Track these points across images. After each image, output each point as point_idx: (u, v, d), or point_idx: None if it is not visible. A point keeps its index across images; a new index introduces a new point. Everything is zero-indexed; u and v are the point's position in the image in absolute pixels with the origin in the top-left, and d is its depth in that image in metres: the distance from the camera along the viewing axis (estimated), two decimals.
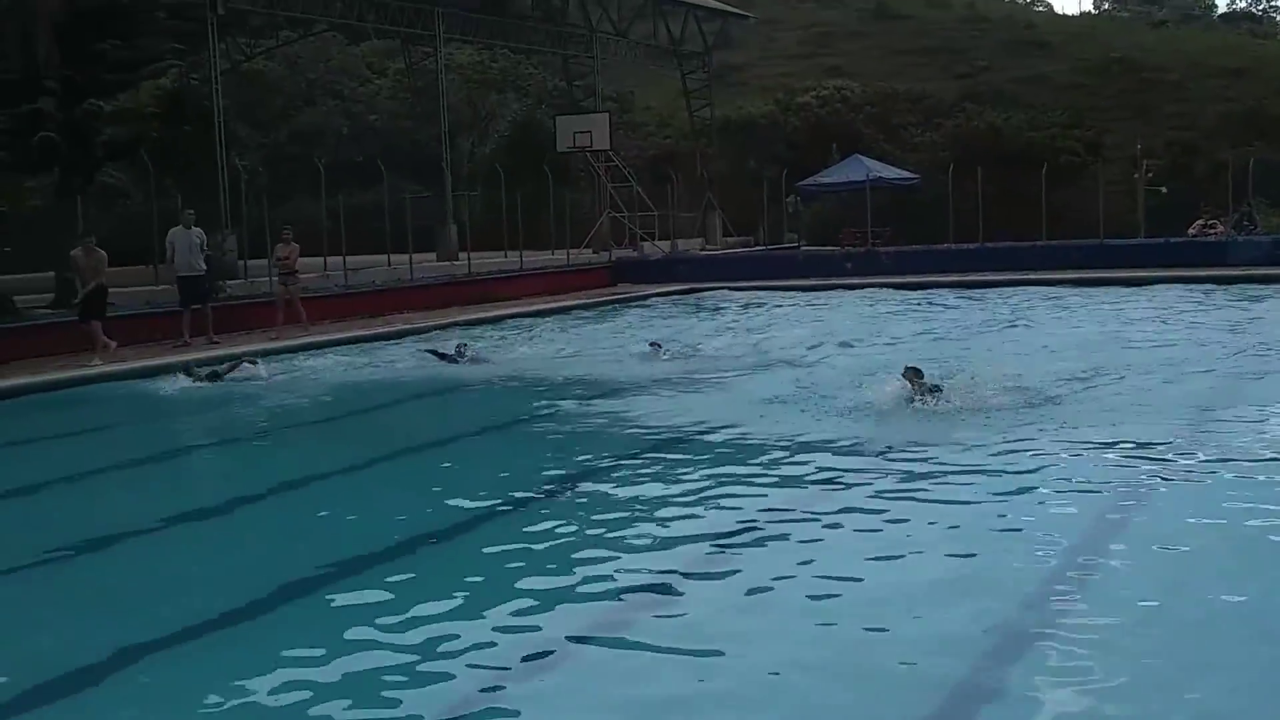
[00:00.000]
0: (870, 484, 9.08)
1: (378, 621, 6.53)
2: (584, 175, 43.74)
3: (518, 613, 6.62)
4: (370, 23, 36.45)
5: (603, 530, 8.18)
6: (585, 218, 40.38)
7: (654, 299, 29.54)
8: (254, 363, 17.13)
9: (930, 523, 7.96)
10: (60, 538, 8.84)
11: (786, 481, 9.41)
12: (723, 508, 8.64)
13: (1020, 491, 8.73)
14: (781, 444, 10.68)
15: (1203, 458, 9.64)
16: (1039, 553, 7.28)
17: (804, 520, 8.17)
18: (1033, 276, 28.49)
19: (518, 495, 9.41)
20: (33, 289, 24.57)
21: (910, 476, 9.22)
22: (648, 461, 10.52)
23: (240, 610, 6.93)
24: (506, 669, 5.86)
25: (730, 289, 29.96)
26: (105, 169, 29.92)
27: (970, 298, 26.04)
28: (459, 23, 37.91)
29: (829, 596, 6.65)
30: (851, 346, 18.27)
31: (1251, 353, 15.76)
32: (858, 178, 41.06)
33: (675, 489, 9.28)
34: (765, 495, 8.95)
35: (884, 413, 11.55)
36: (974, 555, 7.26)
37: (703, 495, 9.04)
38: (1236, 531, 7.52)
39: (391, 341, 21.56)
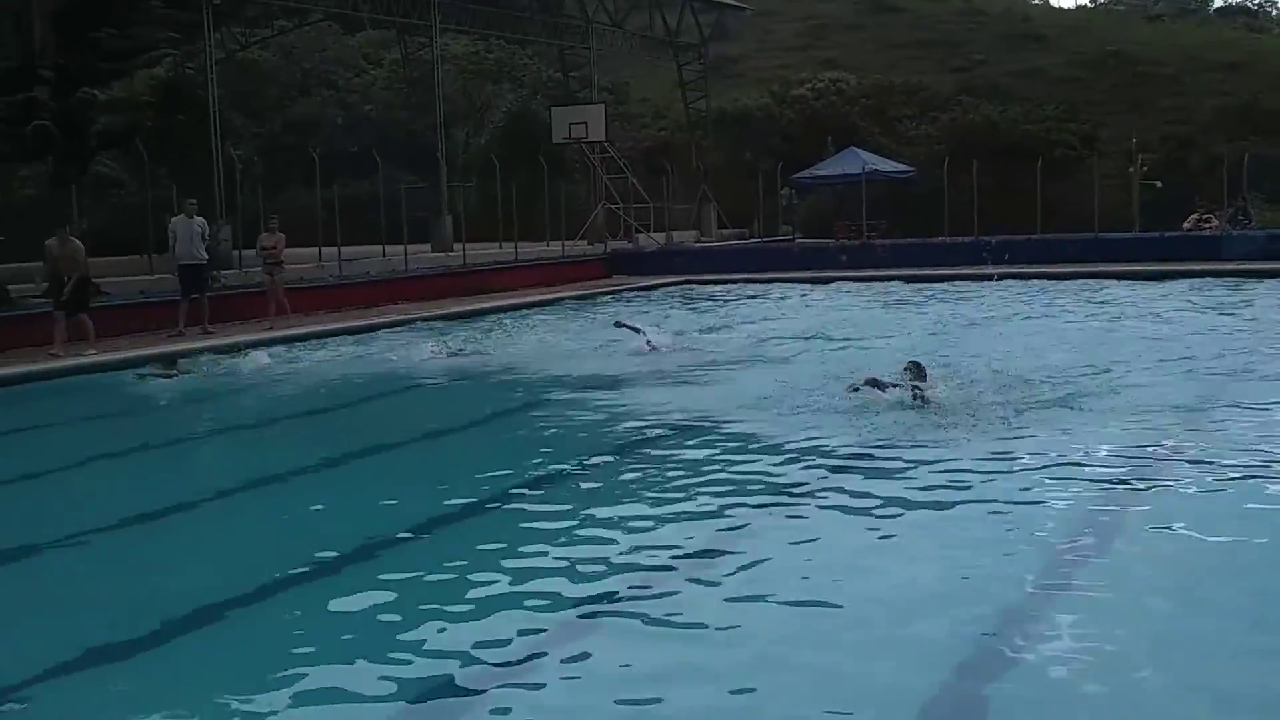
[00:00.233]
0: (862, 480, 9.01)
1: (365, 615, 6.57)
2: (579, 167, 43.70)
3: (507, 603, 6.63)
4: (365, 12, 36.39)
5: (578, 528, 8.11)
6: (580, 209, 40.34)
7: (648, 291, 29.52)
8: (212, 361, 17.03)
9: (922, 521, 7.92)
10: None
11: (775, 478, 9.30)
12: (709, 504, 8.59)
13: (1014, 489, 8.64)
14: (771, 439, 10.60)
15: (1201, 454, 9.60)
16: (1032, 549, 7.26)
17: (794, 517, 8.14)
18: (1028, 270, 28.47)
19: (494, 491, 9.35)
20: (26, 278, 24.46)
21: (900, 473, 9.15)
22: (631, 458, 10.44)
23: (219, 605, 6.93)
24: (501, 661, 5.87)
25: (725, 281, 29.95)
26: (99, 158, 29.90)
27: (962, 291, 25.99)
28: (454, 13, 37.86)
29: (820, 590, 6.65)
30: (844, 340, 18.17)
31: (1250, 349, 15.71)
32: (853, 170, 41.07)
33: (662, 484, 9.22)
34: (753, 492, 8.86)
35: (875, 408, 11.39)
36: (965, 554, 7.18)
37: (689, 491, 8.99)
38: (1234, 530, 7.49)
39: (366, 335, 21.38)
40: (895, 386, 11.54)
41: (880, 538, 7.62)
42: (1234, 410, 11.44)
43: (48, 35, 23.34)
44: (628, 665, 5.80)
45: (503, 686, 5.57)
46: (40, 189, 29.86)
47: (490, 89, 49.88)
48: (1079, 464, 9.33)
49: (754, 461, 9.92)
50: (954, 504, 8.31)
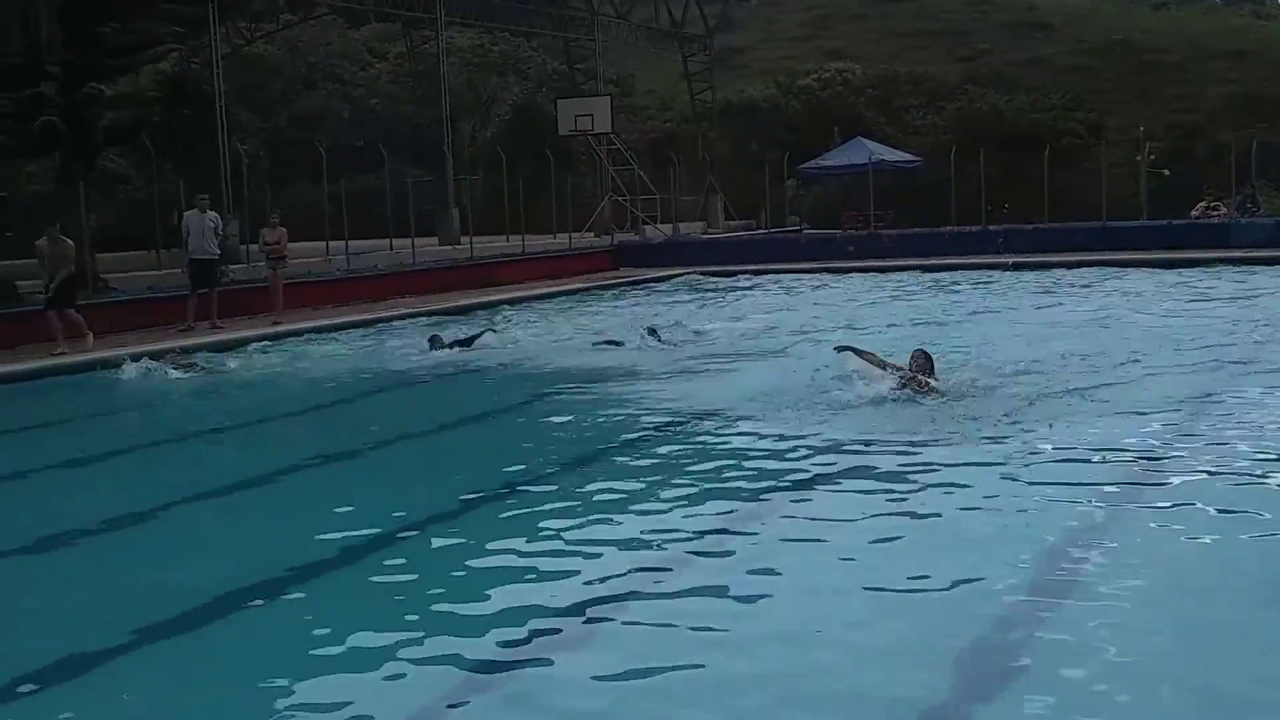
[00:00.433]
0: (863, 472, 8.95)
1: (371, 606, 6.58)
2: (585, 159, 43.68)
3: (510, 595, 6.64)
4: (370, 6, 36.38)
5: (581, 523, 8.07)
6: (587, 201, 40.32)
7: (655, 282, 29.52)
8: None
9: (923, 515, 7.85)
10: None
11: (776, 472, 9.22)
12: (714, 495, 8.58)
13: (1014, 482, 8.58)
14: (773, 433, 10.52)
15: (1202, 448, 9.54)
16: (1032, 546, 7.19)
17: (792, 515, 8.08)
18: (1035, 259, 28.46)
19: (492, 489, 9.30)
20: (34, 274, 24.48)
21: (903, 467, 9.07)
22: (630, 453, 10.36)
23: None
24: (510, 655, 5.87)
25: (732, 272, 29.93)
26: (106, 154, 29.89)
27: (971, 281, 25.97)
28: (460, 6, 37.82)
29: (817, 590, 6.61)
30: (850, 332, 18.10)
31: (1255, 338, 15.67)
32: (860, 160, 41.00)
33: (662, 479, 9.17)
34: (752, 486, 8.82)
35: (881, 400, 11.28)
36: (963, 552, 7.09)
37: (692, 483, 8.96)
38: (1234, 529, 7.44)
39: (362, 329, 21.33)
40: (929, 379, 11.43)
41: (886, 532, 7.55)
42: (1245, 400, 11.43)
43: (54, 31, 23.31)
44: (636, 657, 5.79)
45: (515, 674, 5.58)
46: (47, 185, 29.86)
47: (496, 82, 49.84)
48: (1088, 459, 9.25)
49: (759, 454, 9.83)
50: (962, 497, 8.25)
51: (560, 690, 5.49)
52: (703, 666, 5.63)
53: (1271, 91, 48.02)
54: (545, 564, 7.19)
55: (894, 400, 11.20)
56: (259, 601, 6.82)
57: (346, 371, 16.50)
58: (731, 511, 8.15)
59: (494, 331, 17.78)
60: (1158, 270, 25.72)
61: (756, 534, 7.64)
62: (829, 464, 9.31)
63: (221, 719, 5.46)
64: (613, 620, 6.30)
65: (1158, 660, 5.55)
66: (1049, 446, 9.60)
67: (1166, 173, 39.74)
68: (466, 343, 17.22)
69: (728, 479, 9.08)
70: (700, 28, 48.52)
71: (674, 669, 5.62)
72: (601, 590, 6.73)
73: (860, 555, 7.13)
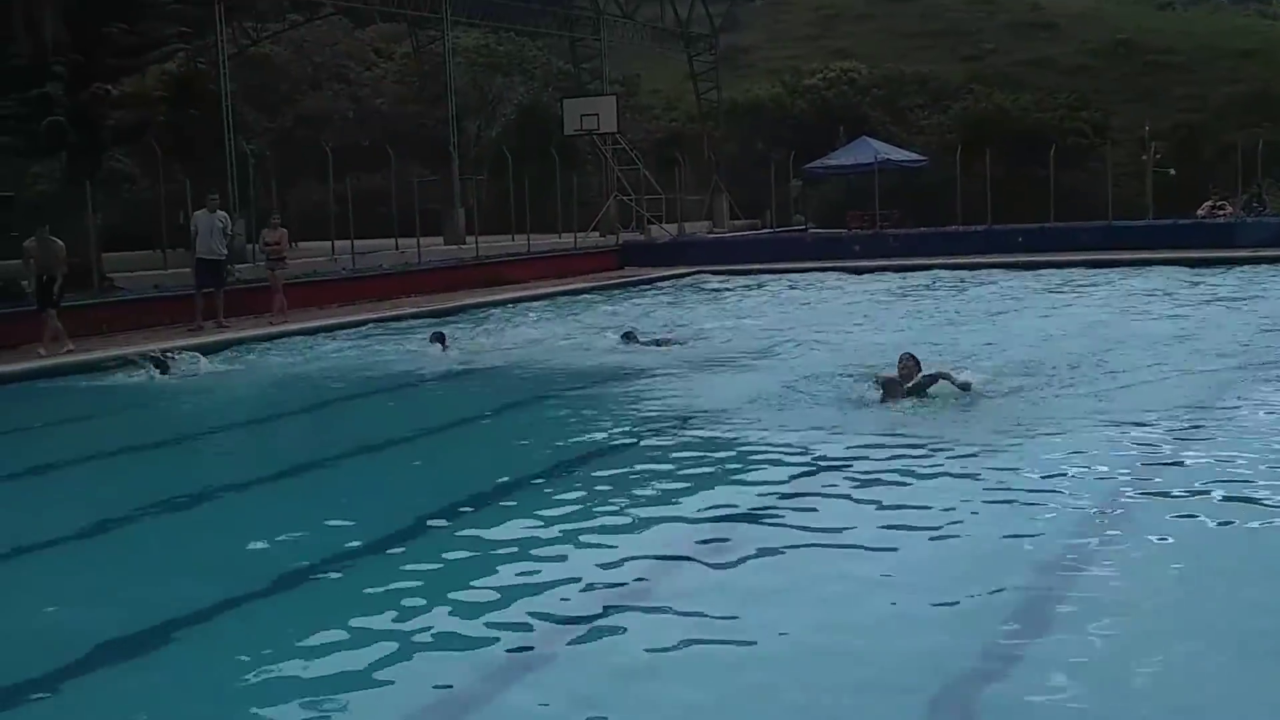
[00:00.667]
0: (865, 474, 8.93)
1: (372, 608, 6.59)
2: (591, 158, 43.67)
3: (500, 599, 6.65)
4: (376, 6, 36.38)
5: (580, 524, 8.09)
6: (592, 201, 40.33)
7: (660, 282, 29.51)
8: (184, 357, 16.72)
9: (921, 516, 7.83)
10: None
11: (777, 472, 9.22)
12: (714, 497, 8.59)
13: (1023, 481, 8.59)
14: (772, 434, 10.53)
15: (1208, 447, 9.56)
16: (1036, 544, 7.20)
17: (793, 511, 8.08)
18: (1040, 259, 28.43)
19: (482, 492, 9.30)
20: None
21: (903, 468, 9.06)
22: (628, 455, 10.34)
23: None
24: (518, 652, 5.89)
25: (737, 272, 29.91)
26: (112, 154, 29.93)
27: (977, 281, 25.94)
28: (465, 6, 37.83)
29: (815, 593, 6.61)
30: (852, 332, 18.08)
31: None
32: (865, 160, 41.00)
33: (663, 479, 9.18)
34: (752, 486, 8.83)
35: (881, 403, 11.25)
36: (964, 554, 7.09)
37: (691, 485, 8.97)
38: (1238, 529, 7.42)
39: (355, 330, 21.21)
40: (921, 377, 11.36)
41: (883, 531, 7.57)
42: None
43: (60, 31, 23.35)
44: (646, 652, 5.82)
45: (525, 672, 5.59)
46: (53, 185, 29.90)
47: (501, 81, 49.82)
48: (1091, 455, 9.28)
49: (751, 456, 9.82)
50: (967, 497, 8.24)
51: (562, 689, 5.50)
52: (706, 667, 5.66)
53: (1278, 91, 47.90)
54: (546, 566, 7.21)
55: (889, 400, 11.15)
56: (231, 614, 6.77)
57: (334, 373, 16.40)
58: (728, 517, 8.10)
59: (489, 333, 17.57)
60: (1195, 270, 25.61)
61: (747, 539, 7.55)
62: (831, 463, 9.31)
63: None
64: (624, 613, 6.32)
65: (1165, 663, 5.54)
66: (1056, 449, 9.54)
67: (1172, 172, 39.71)
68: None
69: (716, 482, 9.05)
70: (706, 27, 48.50)
71: (676, 671, 5.64)
72: (605, 589, 6.77)
73: (863, 557, 7.13)
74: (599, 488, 9.16)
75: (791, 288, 26.49)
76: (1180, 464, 9.05)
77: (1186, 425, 10.29)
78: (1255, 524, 7.42)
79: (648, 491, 8.88)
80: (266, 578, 7.22)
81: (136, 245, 31.07)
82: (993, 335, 16.82)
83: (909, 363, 11.50)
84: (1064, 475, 8.67)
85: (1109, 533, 7.44)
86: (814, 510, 8.13)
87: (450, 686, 5.57)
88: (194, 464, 11.62)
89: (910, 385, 11.23)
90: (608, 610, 6.42)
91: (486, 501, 8.92)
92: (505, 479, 9.58)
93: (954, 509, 7.94)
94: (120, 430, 13.49)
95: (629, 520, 8.14)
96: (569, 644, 5.96)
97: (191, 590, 7.02)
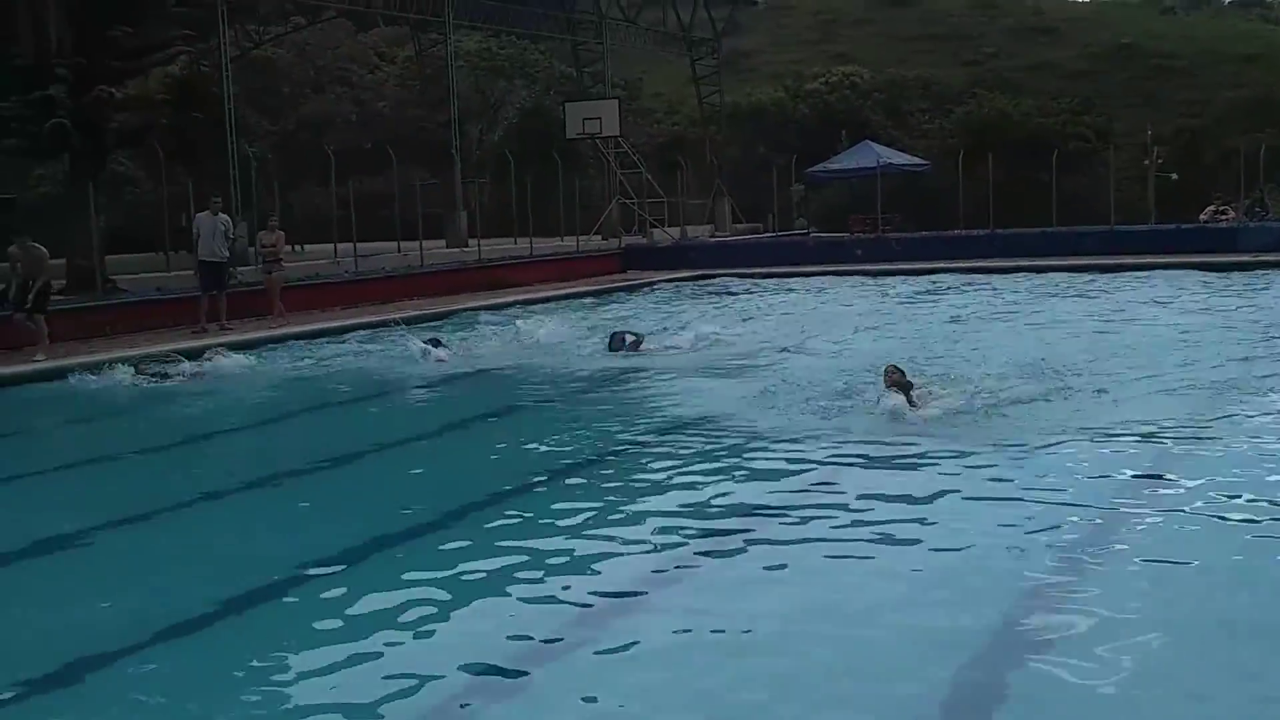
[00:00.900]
0: (859, 483, 8.83)
1: (368, 616, 6.58)
2: (593, 162, 43.70)
3: (534, 590, 6.67)
4: (379, 9, 36.41)
5: (575, 531, 8.02)
6: (595, 204, 40.35)
7: (661, 285, 29.50)
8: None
9: (916, 525, 7.77)
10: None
11: (770, 479, 9.13)
12: (712, 501, 8.53)
13: (1023, 487, 8.51)
14: (766, 440, 10.45)
15: (1212, 452, 9.51)
16: (1032, 555, 7.10)
17: (790, 521, 7.98)
18: (1043, 263, 28.42)
19: (475, 499, 9.23)
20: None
21: (897, 477, 8.98)
22: (621, 460, 10.28)
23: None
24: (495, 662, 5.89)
25: (739, 275, 29.92)
26: (115, 156, 29.96)
27: (979, 285, 25.93)
28: (468, 9, 37.86)
29: (815, 602, 6.55)
30: (851, 337, 17.96)
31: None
32: (868, 164, 41.04)
33: (659, 484, 9.14)
34: (747, 492, 8.78)
35: (880, 410, 11.00)
36: (961, 563, 6.98)
37: (689, 488, 8.92)
38: (1242, 536, 7.38)
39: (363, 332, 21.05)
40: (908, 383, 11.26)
41: (880, 539, 7.48)
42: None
43: (63, 34, 23.36)
44: (656, 650, 5.82)
45: (538, 670, 5.60)
46: (57, 187, 29.94)
47: (504, 85, 49.88)
48: (1093, 462, 9.22)
49: (743, 463, 9.73)
50: (956, 507, 8.14)
51: (565, 690, 5.50)
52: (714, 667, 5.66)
53: None
54: (551, 568, 7.21)
55: (888, 407, 10.94)
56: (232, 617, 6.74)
57: (324, 378, 16.33)
58: (722, 517, 8.09)
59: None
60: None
61: (739, 549, 7.47)
62: (817, 472, 9.22)
63: None
64: (634, 613, 6.32)
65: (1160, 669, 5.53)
66: (1055, 456, 9.46)
67: (1175, 177, 39.70)
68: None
69: (715, 486, 8.98)
70: (708, 31, 48.54)
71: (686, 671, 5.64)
72: (611, 592, 6.78)
73: (851, 562, 7.08)
74: (606, 486, 9.18)
75: (791, 291, 26.46)
76: (1184, 468, 9.01)
77: (1189, 431, 10.23)
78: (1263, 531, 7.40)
79: (650, 493, 8.88)
80: (265, 579, 7.22)
81: (139, 248, 31.11)
82: (993, 341, 16.75)
83: (895, 375, 11.40)
84: (1064, 481, 8.63)
85: (1110, 535, 7.45)
86: (814, 515, 8.07)
87: (456, 685, 5.57)
88: (199, 466, 11.60)
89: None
90: (617, 604, 6.47)
91: (481, 506, 8.87)
92: (500, 484, 9.52)
93: (955, 514, 7.94)
94: (122, 434, 13.47)
95: (635, 520, 8.15)
96: (573, 642, 5.97)
97: (196, 590, 7.03)
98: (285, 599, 6.93)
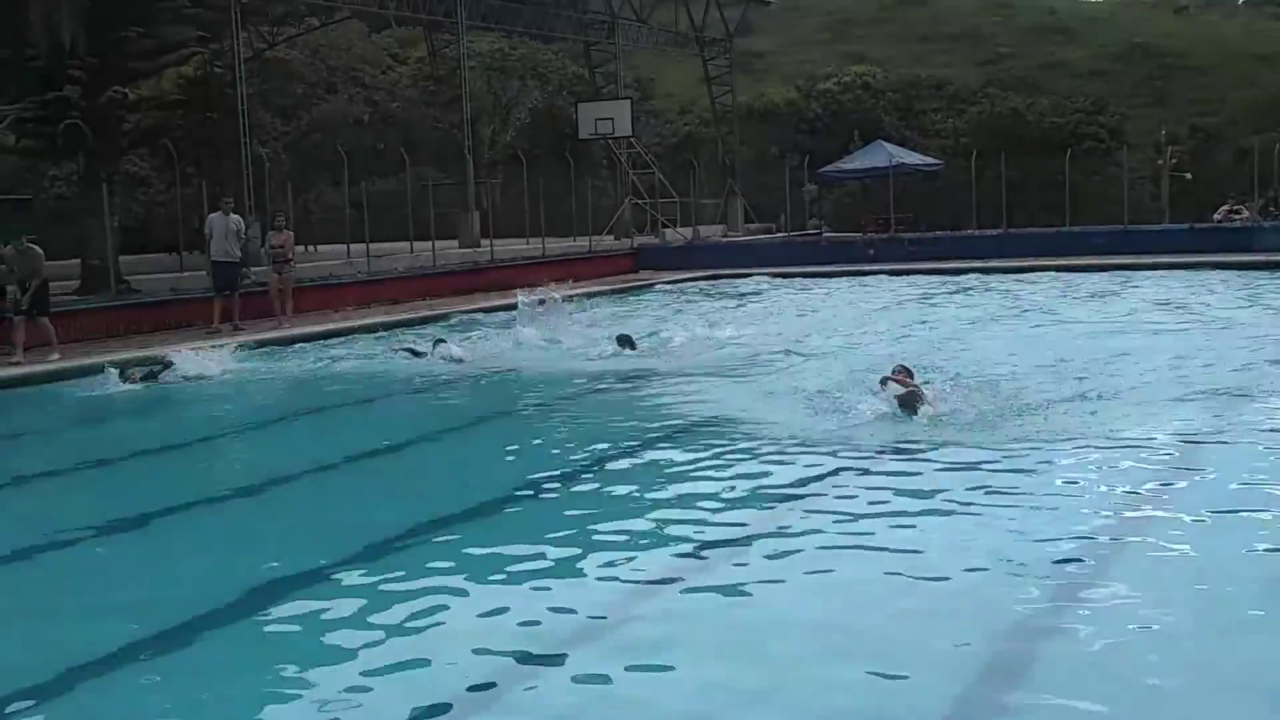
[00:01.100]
0: (865, 487, 8.78)
1: (364, 620, 6.58)
2: (605, 162, 43.71)
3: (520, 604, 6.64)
4: (392, 10, 36.45)
5: (582, 534, 7.98)
6: (607, 205, 40.37)
7: (673, 285, 29.50)
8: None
9: (922, 528, 7.76)
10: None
11: (776, 481, 9.08)
12: (713, 507, 8.45)
13: (1033, 491, 8.46)
14: (773, 441, 10.40)
15: (1225, 454, 9.46)
16: (1040, 561, 7.03)
17: (794, 525, 7.94)
18: (1056, 263, 28.37)
19: (529, 483, 9.32)
20: (59, 276, 24.67)
21: (906, 481, 8.89)
22: (628, 462, 10.21)
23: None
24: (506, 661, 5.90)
25: (751, 275, 29.90)
26: (128, 157, 30.03)
27: (992, 285, 25.89)
28: (480, 10, 37.89)
29: (817, 609, 6.52)
30: (863, 337, 17.91)
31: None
32: (880, 163, 40.99)
33: (664, 488, 9.08)
34: (752, 497, 8.70)
35: (886, 411, 10.90)
36: (965, 571, 6.89)
37: (694, 491, 8.87)
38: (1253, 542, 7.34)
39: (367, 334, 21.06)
40: (914, 388, 11.08)
41: (886, 545, 7.43)
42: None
43: (77, 35, 23.43)
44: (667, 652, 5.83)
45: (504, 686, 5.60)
46: (70, 188, 30.02)
47: (516, 85, 49.89)
48: (1102, 466, 9.14)
49: (750, 465, 9.67)
50: (958, 514, 8.08)
51: (573, 691, 5.52)
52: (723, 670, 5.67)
53: None
54: (559, 568, 7.22)
55: (894, 409, 10.85)
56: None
57: (325, 380, 16.29)
58: (725, 521, 8.02)
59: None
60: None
61: (765, 547, 7.45)
62: (822, 476, 9.14)
63: None
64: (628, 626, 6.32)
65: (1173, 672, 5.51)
66: (1067, 459, 9.40)
67: (1189, 176, 39.59)
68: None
69: (717, 491, 8.89)
70: (720, 31, 48.51)
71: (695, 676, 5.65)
72: (626, 585, 6.78)
73: (857, 568, 7.06)
74: (615, 488, 9.18)
75: (802, 291, 26.45)
76: (1198, 473, 8.94)
77: (1203, 435, 10.15)
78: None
79: (659, 495, 8.85)
80: (269, 580, 7.23)
81: (152, 248, 31.20)
82: (1004, 341, 16.73)
83: (901, 375, 11.34)
84: (1073, 484, 8.58)
85: (1121, 540, 7.42)
86: (818, 518, 8.05)
87: (470, 681, 5.59)
88: (207, 468, 11.64)
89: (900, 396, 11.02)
90: (628, 605, 6.48)
91: (485, 511, 8.83)
92: (500, 489, 9.44)
93: (960, 517, 7.92)
94: (140, 435, 13.49)
95: (646, 521, 8.15)
96: (585, 641, 5.97)
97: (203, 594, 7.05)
98: (293, 601, 6.96)
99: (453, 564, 7.33)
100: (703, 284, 29.77)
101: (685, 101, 55.78)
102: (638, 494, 8.97)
